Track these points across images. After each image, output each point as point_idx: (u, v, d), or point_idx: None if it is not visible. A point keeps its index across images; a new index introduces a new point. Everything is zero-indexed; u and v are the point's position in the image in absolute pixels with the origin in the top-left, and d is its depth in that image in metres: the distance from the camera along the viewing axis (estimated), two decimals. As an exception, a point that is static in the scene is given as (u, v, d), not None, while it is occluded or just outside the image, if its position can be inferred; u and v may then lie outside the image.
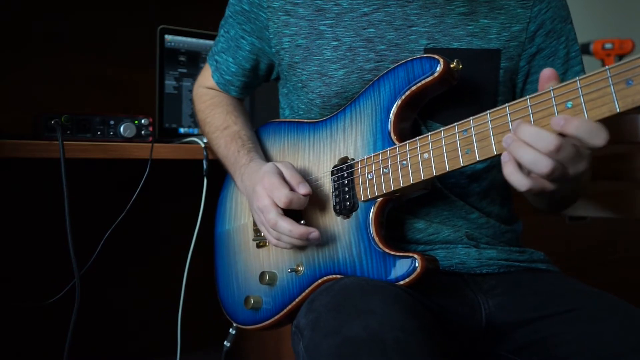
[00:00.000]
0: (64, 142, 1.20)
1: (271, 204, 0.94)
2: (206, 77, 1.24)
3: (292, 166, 1.00)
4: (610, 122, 0.74)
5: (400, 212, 1.00)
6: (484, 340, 0.97)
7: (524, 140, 0.74)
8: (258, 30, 1.10)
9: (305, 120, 1.09)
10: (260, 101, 1.70)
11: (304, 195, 0.95)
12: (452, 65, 0.91)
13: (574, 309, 0.92)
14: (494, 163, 1.05)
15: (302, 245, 0.98)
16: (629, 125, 1.87)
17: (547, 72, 0.76)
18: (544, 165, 0.73)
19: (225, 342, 1.15)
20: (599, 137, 0.71)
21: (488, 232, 1.05)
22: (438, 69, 0.90)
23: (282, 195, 0.93)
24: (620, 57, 2.14)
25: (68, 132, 1.29)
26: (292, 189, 0.95)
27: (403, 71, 0.94)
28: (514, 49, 1.02)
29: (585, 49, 2.25)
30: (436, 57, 0.91)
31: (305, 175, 1.01)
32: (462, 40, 1.00)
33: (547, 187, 0.77)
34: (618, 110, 0.69)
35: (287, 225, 0.93)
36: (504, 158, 0.76)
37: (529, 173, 0.76)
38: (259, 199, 0.96)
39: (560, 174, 0.74)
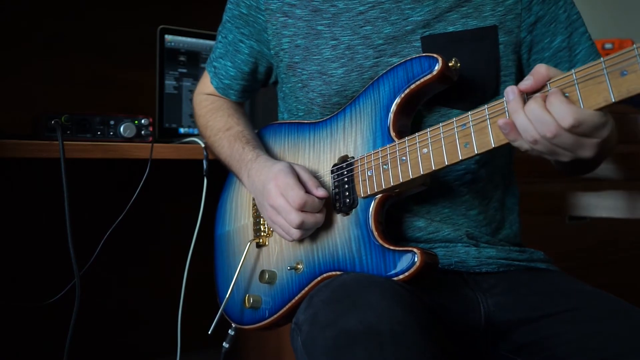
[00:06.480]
0: (64, 142, 1.20)
1: (286, 203, 0.94)
2: (205, 84, 1.24)
3: (307, 169, 1.00)
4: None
5: (400, 211, 1.00)
6: (483, 340, 0.96)
7: (529, 118, 0.75)
8: (256, 33, 1.11)
9: (306, 121, 1.09)
10: (261, 105, 1.70)
11: (321, 198, 0.95)
12: (450, 64, 0.92)
13: (574, 309, 0.92)
14: (489, 167, 1.05)
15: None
16: (630, 126, 1.87)
17: (542, 69, 0.77)
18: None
19: (224, 344, 1.15)
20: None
21: (487, 230, 1.05)
22: (437, 67, 0.91)
23: (297, 197, 0.93)
24: (620, 57, 2.14)
25: (68, 132, 1.29)
26: (307, 191, 0.95)
27: (402, 70, 0.95)
28: (511, 21, 1.02)
29: (585, 49, 2.25)
30: (435, 55, 0.92)
31: None
32: (457, 23, 1.00)
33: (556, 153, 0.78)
34: (613, 100, 0.71)
35: (314, 220, 0.94)
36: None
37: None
38: (271, 197, 0.96)
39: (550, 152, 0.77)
